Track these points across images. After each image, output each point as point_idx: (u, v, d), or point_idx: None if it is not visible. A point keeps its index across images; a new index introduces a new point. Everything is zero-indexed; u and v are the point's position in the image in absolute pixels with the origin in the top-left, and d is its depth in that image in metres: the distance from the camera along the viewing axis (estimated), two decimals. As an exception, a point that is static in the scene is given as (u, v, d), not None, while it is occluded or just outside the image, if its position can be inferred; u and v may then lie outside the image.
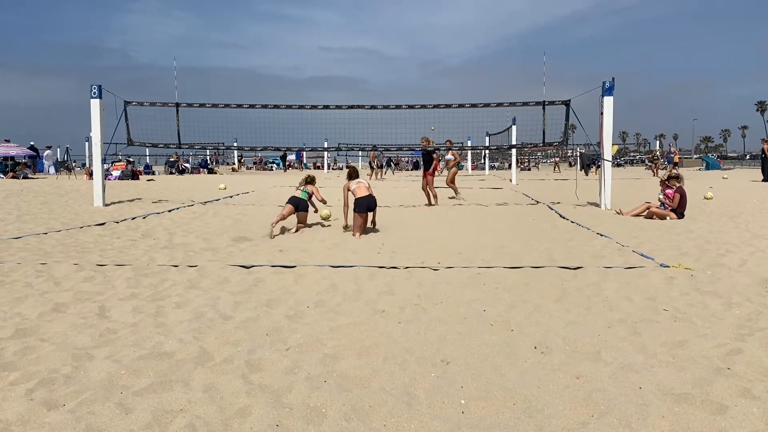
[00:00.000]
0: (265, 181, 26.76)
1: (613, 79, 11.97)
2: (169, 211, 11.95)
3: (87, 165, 28.31)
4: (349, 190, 8.74)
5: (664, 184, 10.44)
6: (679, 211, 10.10)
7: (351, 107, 13.97)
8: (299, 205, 9.14)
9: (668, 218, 9.97)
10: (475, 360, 3.42)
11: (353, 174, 9.09)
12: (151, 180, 25.43)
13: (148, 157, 41.51)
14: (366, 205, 8.46)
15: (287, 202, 9.22)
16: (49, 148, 33.23)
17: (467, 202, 14.43)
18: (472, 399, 2.89)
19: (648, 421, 2.64)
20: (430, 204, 13.50)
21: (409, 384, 3.06)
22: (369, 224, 8.77)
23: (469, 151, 43.15)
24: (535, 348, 3.60)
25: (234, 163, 46.10)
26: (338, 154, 49.41)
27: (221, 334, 3.87)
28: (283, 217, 8.91)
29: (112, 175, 24.46)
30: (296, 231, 8.90)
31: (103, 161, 13.28)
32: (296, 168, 49.09)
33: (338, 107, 14.02)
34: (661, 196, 10.48)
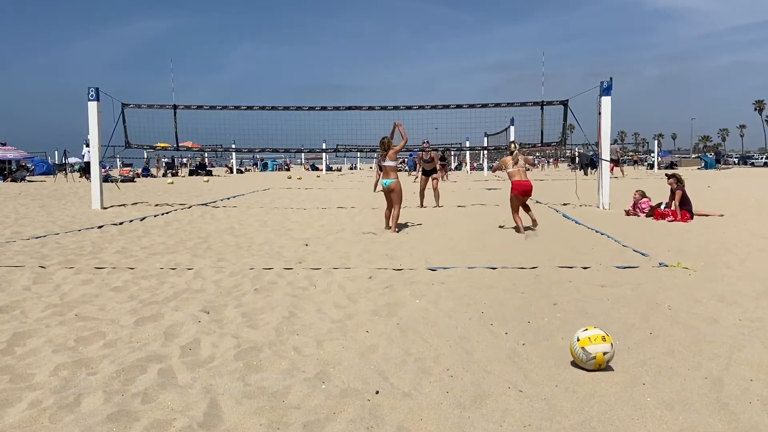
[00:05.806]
0: (264, 182, 26.73)
1: (611, 79, 11.95)
2: (167, 213, 11.93)
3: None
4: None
5: (671, 181, 10.25)
6: (683, 211, 9.96)
7: (349, 108, 13.96)
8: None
9: (669, 217, 9.95)
10: (475, 360, 3.41)
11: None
12: (155, 177, 25.46)
13: (146, 159, 41.54)
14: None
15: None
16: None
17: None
18: (474, 399, 2.88)
19: (648, 421, 2.63)
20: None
21: (409, 385, 3.05)
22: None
23: (468, 152, 43.22)
24: (537, 348, 3.59)
25: (231, 165, 46.43)
26: (336, 156, 49.34)
27: (220, 336, 3.86)
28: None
29: (111, 175, 24.53)
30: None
31: (101, 163, 13.27)
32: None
33: (336, 108, 14.00)
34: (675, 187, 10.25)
